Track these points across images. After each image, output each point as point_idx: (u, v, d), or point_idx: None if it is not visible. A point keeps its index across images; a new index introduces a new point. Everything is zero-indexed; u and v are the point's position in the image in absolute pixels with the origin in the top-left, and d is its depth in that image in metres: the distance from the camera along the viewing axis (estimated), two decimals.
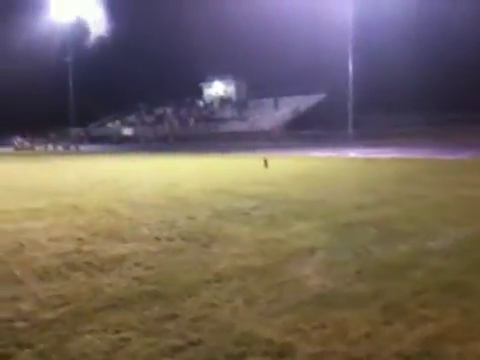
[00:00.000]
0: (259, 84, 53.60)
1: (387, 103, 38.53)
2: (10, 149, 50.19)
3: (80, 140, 59.48)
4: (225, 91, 61.74)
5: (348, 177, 12.61)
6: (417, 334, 3.12)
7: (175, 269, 4.44)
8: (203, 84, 65.38)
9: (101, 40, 58.42)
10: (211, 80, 63.69)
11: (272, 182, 11.14)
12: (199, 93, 66.15)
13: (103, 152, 35.24)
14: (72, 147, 50.47)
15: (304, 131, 39.14)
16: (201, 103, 63.90)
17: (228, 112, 55.88)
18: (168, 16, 58.73)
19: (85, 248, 5.18)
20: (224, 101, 59.97)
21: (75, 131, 65.35)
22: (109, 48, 57.52)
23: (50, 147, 53.54)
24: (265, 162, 15.11)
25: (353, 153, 21.30)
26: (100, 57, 59.01)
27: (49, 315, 3.43)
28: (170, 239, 5.60)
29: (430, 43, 37.90)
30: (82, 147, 49.57)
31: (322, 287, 4.04)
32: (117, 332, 3.17)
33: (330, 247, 5.30)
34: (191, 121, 57.29)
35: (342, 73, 40.73)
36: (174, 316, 3.39)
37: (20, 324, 3.29)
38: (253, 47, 50.12)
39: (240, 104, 55.72)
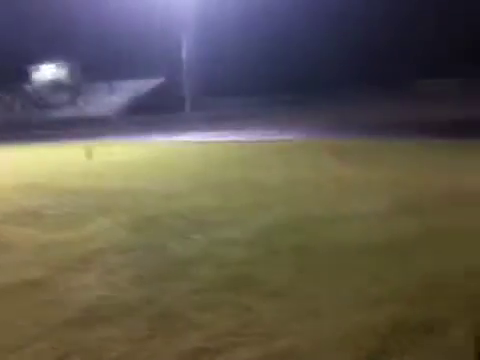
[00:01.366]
0: (93, 67, 50.64)
1: (224, 87, 39.54)
2: None
3: None
4: (56, 74, 57.25)
5: (174, 163, 12.14)
6: (181, 346, 2.82)
7: None
8: (31, 68, 59.83)
9: None
10: (40, 63, 58.56)
11: (89, 173, 10.19)
12: (27, 78, 60.40)
13: None
14: None
15: (141, 116, 38.16)
16: (29, 88, 58.39)
17: (59, 97, 51.91)
18: None
19: None
20: (55, 85, 55.58)
21: None
22: None
23: None
24: (88, 152, 13.46)
25: (188, 137, 21.04)
26: None
27: None
28: None
29: (263, 28, 39.84)
30: None
31: (95, 299, 3.56)
32: None
33: (123, 247, 4.84)
34: (17, 107, 51.94)
35: (180, 57, 40.49)
36: None
37: None
38: (86, 30, 47.05)
39: (72, 88, 52.12)
